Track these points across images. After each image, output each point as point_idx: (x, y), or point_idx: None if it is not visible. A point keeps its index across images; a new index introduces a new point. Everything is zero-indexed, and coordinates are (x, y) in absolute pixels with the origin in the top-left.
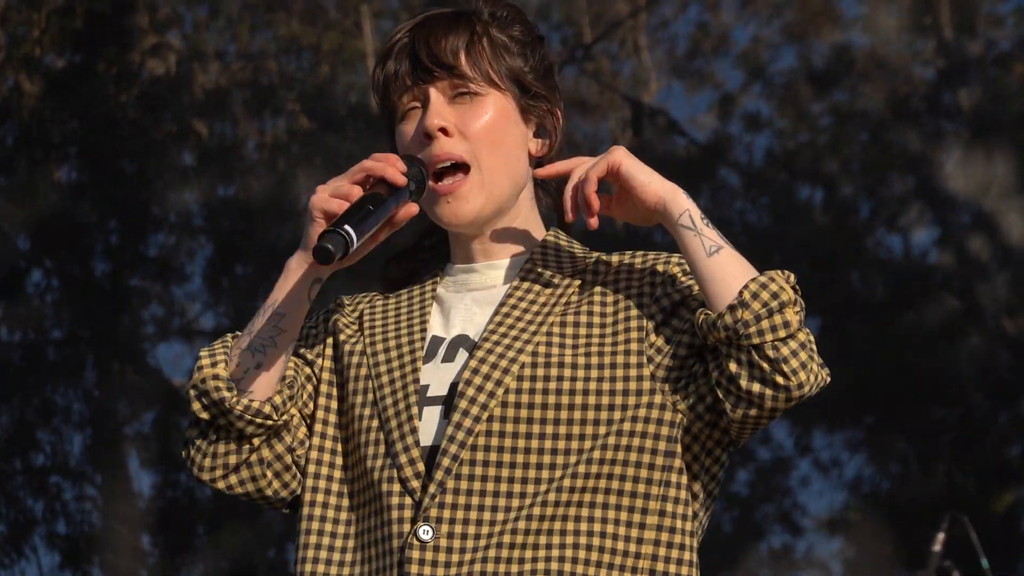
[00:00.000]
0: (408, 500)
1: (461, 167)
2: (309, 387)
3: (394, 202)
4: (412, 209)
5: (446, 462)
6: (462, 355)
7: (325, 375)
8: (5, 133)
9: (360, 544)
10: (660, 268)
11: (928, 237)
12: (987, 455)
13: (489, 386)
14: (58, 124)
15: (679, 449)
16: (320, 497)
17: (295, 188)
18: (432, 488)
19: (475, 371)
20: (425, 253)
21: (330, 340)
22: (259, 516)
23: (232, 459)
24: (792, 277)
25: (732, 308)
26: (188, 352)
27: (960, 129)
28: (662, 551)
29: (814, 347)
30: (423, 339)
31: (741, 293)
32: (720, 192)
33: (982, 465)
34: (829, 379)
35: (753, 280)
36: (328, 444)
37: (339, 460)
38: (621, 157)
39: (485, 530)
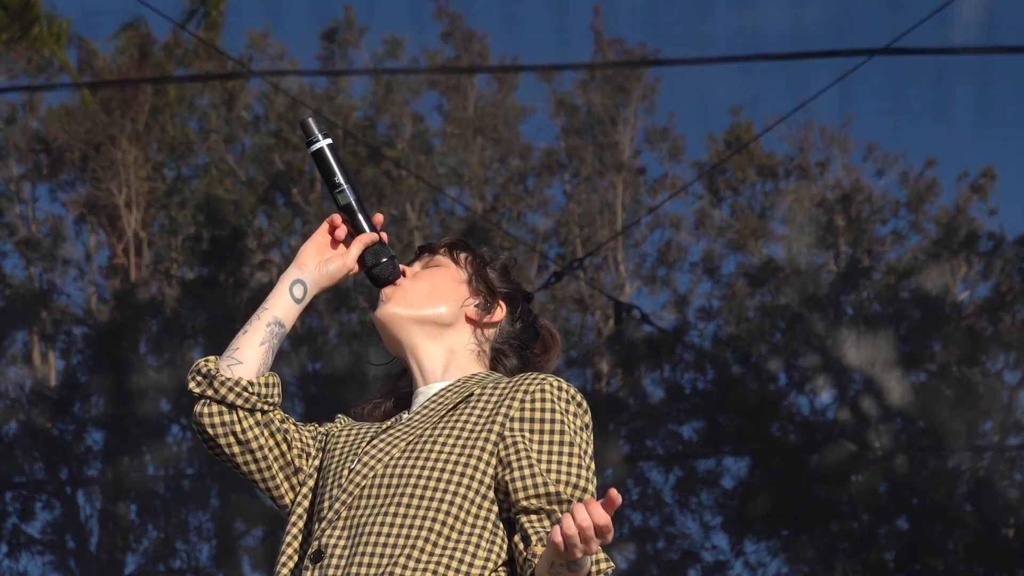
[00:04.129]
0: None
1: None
2: (308, 437)
3: (365, 219)
4: (369, 236)
5: (336, 506)
6: None
7: (317, 453)
8: (153, 325)
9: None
10: (517, 400)
11: (829, 398)
12: (871, 558)
13: (378, 455)
14: (191, 319)
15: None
16: (297, 531)
17: (366, 365)
18: (323, 525)
19: (372, 445)
20: (402, 401)
21: (323, 433)
22: None
23: (227, 420)
24: None
25: None
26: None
27: (852, 319)
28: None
29: None
30: (378, 430)
31: None
32: (678, 365)
33: (867, 566)
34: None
35: None
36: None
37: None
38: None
39: (359, 561)
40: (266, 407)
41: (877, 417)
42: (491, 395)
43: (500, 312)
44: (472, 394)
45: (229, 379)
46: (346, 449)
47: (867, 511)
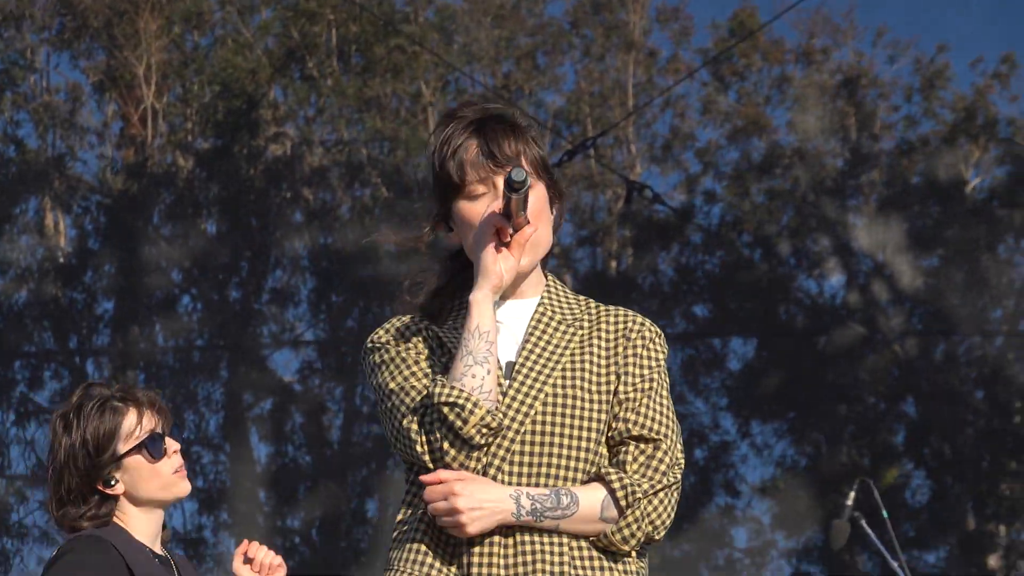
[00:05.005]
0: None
1: None
2: None
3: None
4: (533, 230)
5: (496, 462)
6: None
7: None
8: (166, 196)
9: None
10: (640, 348)
11: (838, 282)
12: (877, 442)
13: (524, 409)
14: (204, 190)
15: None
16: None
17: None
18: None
19: (513, 398)
20: (447, 291)
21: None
22: (344, 478)
23: (479, 455)
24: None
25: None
26: (295, 358)
27: (863, 204)
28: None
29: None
30: (499, 365)
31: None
32: (687, 246)
33: (874, 449)
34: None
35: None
36: None
37: None
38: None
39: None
40: None
41: (887, 301)
42: (600, 337)
43: (562, 204)
44: (577, 334)
45: (502, 423)
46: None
47: (875, 394)
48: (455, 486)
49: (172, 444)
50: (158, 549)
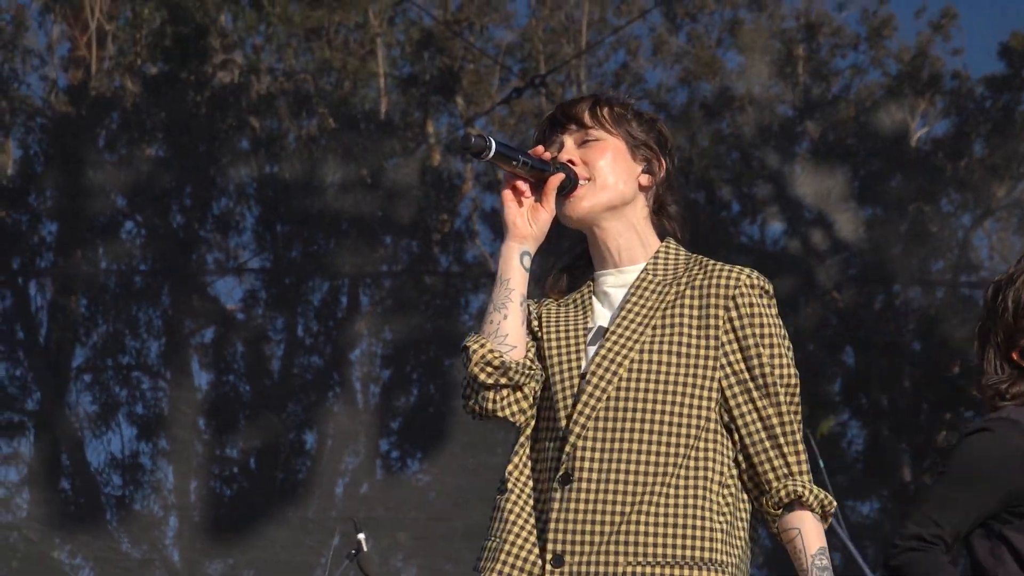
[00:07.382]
0: (559, 453)
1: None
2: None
3: (540, 165)
4: (557, 178)
5: (576, 429)
6: (596, 345)
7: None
8: (112, 120)
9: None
10: (742, 301)
11: (780, 228)
12: (815, 392)
13: (608, 376)
14: (150, 115)
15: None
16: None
17: (323, 169)
18: (567, 448)
19: (598, 364)
20: (577, 270)
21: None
22: (284, 408)
23: (515, 398)
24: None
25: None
26: (238, 285)
27: (808, 152)
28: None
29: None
30: (586, 329)
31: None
32: None
33: (811, 399)
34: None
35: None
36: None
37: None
38: None
39: (612, 488)
40: (538, 373)
41: (828, 250)
42: (691, 296)
43: (662, 165)
44: (672, 291)
45: (518, 365)
46: (563, 359)
47: (814, 342)
48: None
49: None
50: None
